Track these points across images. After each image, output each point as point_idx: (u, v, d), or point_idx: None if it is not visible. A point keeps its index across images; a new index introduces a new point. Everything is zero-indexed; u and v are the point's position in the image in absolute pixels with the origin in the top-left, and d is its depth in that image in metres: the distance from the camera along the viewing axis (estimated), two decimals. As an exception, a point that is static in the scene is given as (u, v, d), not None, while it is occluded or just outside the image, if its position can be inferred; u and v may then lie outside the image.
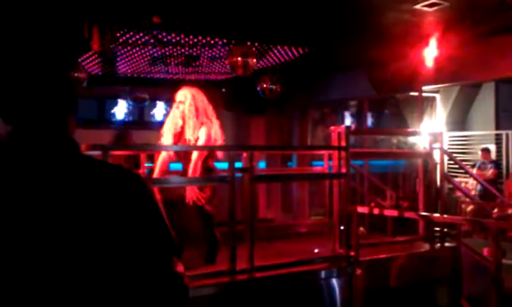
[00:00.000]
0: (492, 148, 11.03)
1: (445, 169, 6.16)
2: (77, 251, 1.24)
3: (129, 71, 11.03)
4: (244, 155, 4.62)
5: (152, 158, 5.35)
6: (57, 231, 1.23)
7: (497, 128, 11.35)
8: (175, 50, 9.12)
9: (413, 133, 9.23)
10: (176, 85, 5.40)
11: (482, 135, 11.40)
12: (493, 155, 10.87)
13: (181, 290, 1.40)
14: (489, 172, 10.33)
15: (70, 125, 1.36)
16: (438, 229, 5.90)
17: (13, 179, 1.24)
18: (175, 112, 4.96)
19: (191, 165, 4.68)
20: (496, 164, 10.58)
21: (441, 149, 6.18)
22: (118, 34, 8.12)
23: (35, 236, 1.22)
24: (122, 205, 1.32)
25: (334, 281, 4.78)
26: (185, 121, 4.89)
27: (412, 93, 10.72)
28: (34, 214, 1.22)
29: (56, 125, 1.32)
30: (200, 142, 4.80)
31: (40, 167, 1.26)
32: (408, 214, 6.07)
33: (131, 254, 1.31)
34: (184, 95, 4.95)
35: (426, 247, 5.84)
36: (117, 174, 1.37)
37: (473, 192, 9.64)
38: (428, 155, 6.13)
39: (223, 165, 4.98)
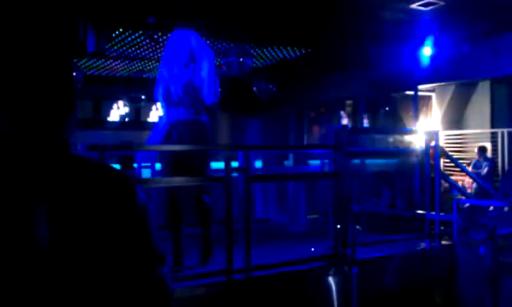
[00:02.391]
0: (488, 146, 11.06)
1: (441, 168, 6.17)
2: (58, 252, 1.22)
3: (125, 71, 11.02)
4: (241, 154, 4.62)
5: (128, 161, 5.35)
6: (39, 234, 1.21)
7: (492, 126, 11.38)
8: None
9: (409, 132, 9.25)
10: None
11: (477, 134, 11.43)
12: (489, 153, 10.90)
13: (164, 298, 1.37)
14: (484, 170, 10.35)
15: (66, 125, 1.34)
16: (434, 227, 5.91)
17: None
18: (180, 56, 4.57)
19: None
20: (491, 161, 10.61)
21: (437, 147, 6.19)
22: (113, 35, 8.13)
23: (18, 238, 1.20)
24: (106, 209, 1.30)
25: (331, 280, 4.78)
26: (189, 63, 4.56)
27: (408, 92, 10.75)
28: (16, 214, 1.21)
29: (50, 125, 1.31)
30: (205, 76, 4.51)
31: (26, 167, 1.25)
32: (404, 213, 6.07)
33: (112, 259, 1.29)
34: (185, 34, 4.60)
35: (423, 245, 5.85)
36: (104, 177, 1.34)
37: (469, 191, 9.66)
38: (424, 154, 6.14)
39: (219, 165, 4.96)
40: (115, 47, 8.97)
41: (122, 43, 8.76)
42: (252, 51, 9.16)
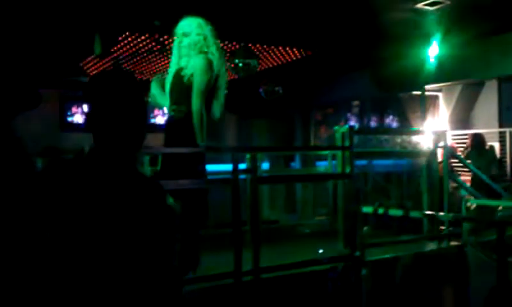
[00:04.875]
0: (496, 145, 10.99)
1: (449, 168, 6.14)
2: (115, 248, 1.57)
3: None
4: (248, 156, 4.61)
5: (154, 162, 5.25)
6: (103, 231, 1.58)
7: (500, 125, 11.30)
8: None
9: (417, 133, 9.21)
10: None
11: (485, 133, 11.36)
12: (497, 153, 10.82)
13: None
14: (493, 169, 10.29)
15: (136, 143, 1.72)
16: (443, 227, 5.88)
17: (79, 187, 1.61)
18: (180, 49, 4.19)
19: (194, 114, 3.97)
20: (498, 161, 10.54)
21: (445, 147, 6.16)
22: (120, 38, 8.15)
23: (92, 231, 1.57)
24: (150, 219, 1.64)
25: (339, 282, 4.77)
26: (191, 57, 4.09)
27: (415, 92, 10.71)
28: (90, 215, 1.57)
29: (123, 144, 1.68)
30: (197, 73, 4.03)
31: (101, 179, 1.63)
32: (413, 213, 6.04)
33: (144, 263, 1.61)
34: (189, 25, 4.17)
35: (432, 246, 5.82)
36: (153, 192, 1.70)
37: (477, 190, 9.60)
38: (432, 154, 6.12)
39: (226, 167, 4.94)
40: (121, 50, 8.99)
41: (128, 46, 8.78)
42: (258, 53, 9.15)
